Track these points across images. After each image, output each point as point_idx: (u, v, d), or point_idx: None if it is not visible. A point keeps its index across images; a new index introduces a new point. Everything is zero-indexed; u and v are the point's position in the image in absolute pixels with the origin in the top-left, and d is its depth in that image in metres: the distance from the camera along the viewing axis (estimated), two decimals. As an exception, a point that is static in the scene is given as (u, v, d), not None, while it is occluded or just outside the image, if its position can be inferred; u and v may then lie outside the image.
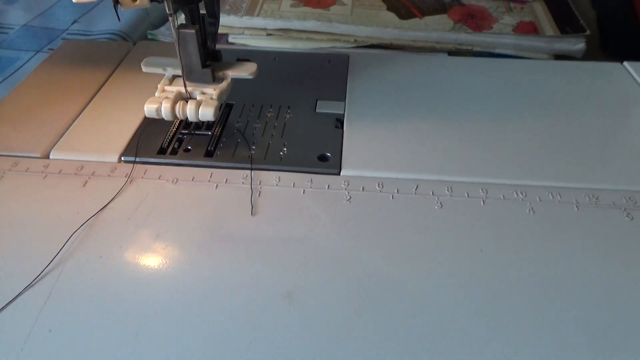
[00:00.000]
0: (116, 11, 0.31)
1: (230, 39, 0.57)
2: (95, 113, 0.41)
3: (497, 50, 0.55)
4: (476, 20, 0.61)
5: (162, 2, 0.32)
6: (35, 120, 0.40)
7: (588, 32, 0.54)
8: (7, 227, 0.31)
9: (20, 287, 0.28)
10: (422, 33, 0.55)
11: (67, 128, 0.39)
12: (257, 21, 0.56)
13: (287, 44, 0.56)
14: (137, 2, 0.32)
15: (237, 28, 0.57)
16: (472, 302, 0.27)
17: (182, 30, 0.34)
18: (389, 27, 0.55)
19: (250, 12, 0.59)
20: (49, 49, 0.59)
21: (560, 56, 0.55)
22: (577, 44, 0.53)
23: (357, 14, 0.60)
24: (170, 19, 0.33)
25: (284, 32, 0.56)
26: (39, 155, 0.37)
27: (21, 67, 0.55)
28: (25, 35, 0.62)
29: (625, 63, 0.48)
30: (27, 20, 0.65)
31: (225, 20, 0.56)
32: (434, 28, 0.57)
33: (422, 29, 0.56)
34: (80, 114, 0.41)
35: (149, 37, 0.59)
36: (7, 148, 0.37)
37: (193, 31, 0.34)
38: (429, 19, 0.60)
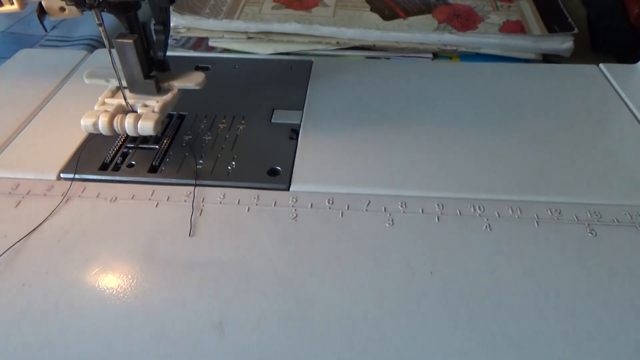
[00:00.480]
0: (41, 22, 0.30)
1: (211, 43, 0.56)
2: (40, 127, 0.39)
3: (483, 51, 0.54)
4: (461, 19, 0.59)
5: (91, 9, 0.30)
6: (-25, 136, 0.38)
7: (576, 31, 0.52)
8: None
9: None
10: (405, 34, 0.54)
11: (8, 143, 0.38)
12: (238, 24, 0.54)
13: (269, 47, 0.54)
14: (67, 12, 0.31)
15: (217, 32, 0.55)
16: (418, 330, 0.25)
17: (118, 41, 0.32)
18: (372, 28, 0.54)
19: (230, 15, 0.57)
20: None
21: (548, 55, 0.53)
22: (565, 43, 0.51)
23: (340, 16, 0.58)
24: (100, 29, 0.31)
25: (265, 35, 0.54)
26: (-28, 173, 0.35)
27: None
28: (3, 42, 0.61)
29: (601, 65, 0.46)
30: (6, 27, 0.64)
31: (205, 24, 0.54)
32: (418, 29, 0.55)
33: (406, 30, 0.54)
34: (24, 127, 0.39)
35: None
36: (-61, 165, 0.35)
37: (131, 41, 0.32)
38: (413, 19, 0.58)
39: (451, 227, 0.30)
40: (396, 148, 0.36)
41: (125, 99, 0.34)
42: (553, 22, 0.57)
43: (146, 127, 0.33)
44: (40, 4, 0.30)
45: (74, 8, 0.30)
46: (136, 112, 0.34)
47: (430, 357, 0.24)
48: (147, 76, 0.34)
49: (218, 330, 0.25)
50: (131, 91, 0.34)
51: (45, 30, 0.35)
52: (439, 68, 0.46)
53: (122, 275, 0.28)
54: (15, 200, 0.33)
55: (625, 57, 0.54)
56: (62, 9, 0.30)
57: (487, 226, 0.30)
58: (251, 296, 0.27)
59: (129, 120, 0.33)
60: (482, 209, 0.31)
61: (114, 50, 0.32)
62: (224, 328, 0.26)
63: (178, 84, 0.35)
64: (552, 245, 0.29)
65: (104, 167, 0.35)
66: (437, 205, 0.32)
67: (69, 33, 0.62)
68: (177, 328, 0.25)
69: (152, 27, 0.35)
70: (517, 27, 0.58)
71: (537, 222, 0.30)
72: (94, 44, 0.57)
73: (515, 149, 0.36)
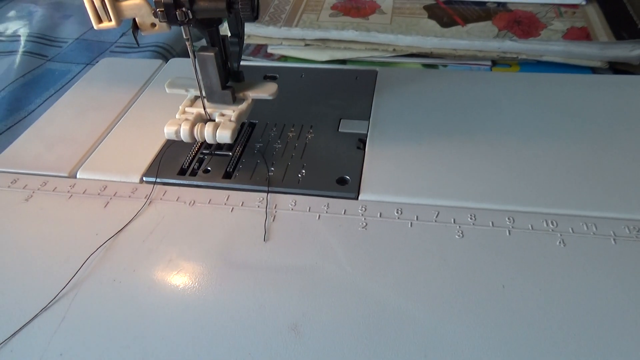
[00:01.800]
0: (135, 37, 0.32)
1: (270, 50, 0.57)
2: (123, 132, 0.42)
3: (544, 59, 0.52)
4: (523, 26, 0.58)
5: (180, 25, 0.32)
6: (66, 139, 0.41)
7: None
8: (30, 247, 0.32)
9: (37, 309, 0.29)
10: (463, 41, 0.53)
11: (95, 147, 0.40)
12: (296, 32, 0.56)
13: (325, 54, 0.55)
14: (157, 28, 0.33)
15: (276, 39, 0.57)
16: (490, 343, 0.25)
17: (200, 54, 0.34)
18: (430, 35, 0.53)
19: (289, 22, 0.59)
20: (97, 62, 0.62)
21: (615, 63, 0.51)
22: (635, 50, 0.49)
23: (397, 23, 0.59)
24: (187, 44, 0.33)
25: (322, 42, 0.55)
26: (66, 174, 0.38)
27: (72, 79, 0.58)
28: (77, 49, 0.65)
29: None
30: (80, 34, 0.68)
31: (264, 31, 0.56)
32: (477, 36, 0.55)
33: (464, 37, 0.54)
34: (108, 133, 0.42)
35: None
36: (38, 167, 0.39)
37: (212, 54, 0.34)
38: (472, 26, 0.58)
39: (523, 242, 0.30)
40: (463, 159, 0.36)
41: (204, 108, 0.36)
42: (621, 28, 0.55)
43: (224, 135, 0.34)
44: (134, 20, 0.32)
45: (164, 24, 0.32)
46: (214, 120, 0.36)
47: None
48: (224, 87, 0.36)
49: (294, 332, 0.27)
50: (209, 100, 0.36)
51: (138, 44, 0.37)
52: (504, 78, 0.46)
53: (202, 276, 0.30)
54: (104, 201, 0.35)
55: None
56: (153, 25, 0.32)
57: (561, 242, 0.30)
58: (324, 301, 0.28)
59: (208, 128, 0.35)
60: (555, 224, 0.31)
61: (192, 61, 0.34)
62: (300, 330, 0.27)
63: (253, 94, 0.37)
64: (631, 264, 0.28)
65: (182, 172, 0.37)
66: (508, 218, 0.31)
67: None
68: (256, 328, 0.27)
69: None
70: (582, 34, 0.56)
71: (614, 239, 0.30)
72: (159, 50, 0.60)
73: (588, 162, 0.35)
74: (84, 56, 0.64)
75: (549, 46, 0.51)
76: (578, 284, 0.28)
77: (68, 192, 0.36)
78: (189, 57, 0.34)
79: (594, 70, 0.51)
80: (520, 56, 0.52)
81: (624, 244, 0.29)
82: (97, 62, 0.60)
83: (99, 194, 0.36)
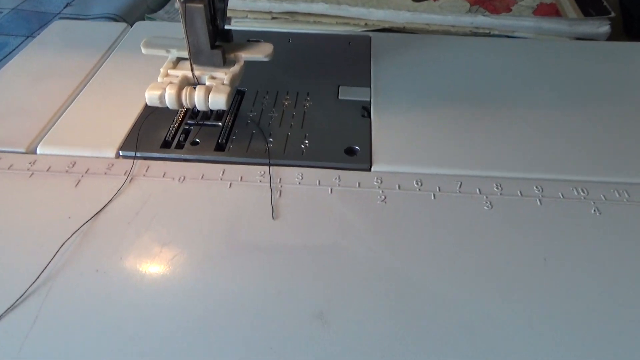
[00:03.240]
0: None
1: (233, 23, 0.53)
2: (89, 101, 0.36)
3: (516, 34, 0.51)
4: (494, 2, 0.57)
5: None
6: (20, 111, 0.35)
7: (613, 15, 0.50)
8: (-13, 235, 0.27)
9: (1, 310, 0.23)
10: (437, 16, 0.51)
11: (57, 119, 0.35)
12: (262, 4, 0.51)
13: (293, 28, 0.51)
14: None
15: (240, 11, 0.52)
16: (539, 321, 0.23)
17: (189, 5, 0.29)
18: (402, 10, 0.51)
19: (254, -6, 0.54)
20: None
21: (583, 39, 0.51)
22: (602, 27, 0.49)
23: (369, -4, 0.55)
24: (175, -8, 0.28)
25: (290, 16, 0.52)
26: (23, 150, 0.32)
27: (10, 53, 0.51)
28: (14, 19, 0.58)
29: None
30: (16, 4, 0.61)
31: (228, 4, 0.51)
32: (449, 11, 0.53)
33: (437, 12, 0.52)
34: (71, 102, 0.36)
35: (146, 19, 0.54)
36: (-13, 142, 0.33)
37: (201, 5, 0.29)
38: (444, 1, 0.56)
39: (557, 211, 0.28)
40: (474, 126, 0.34)
41: (192, 70, 0.31)
42: (588, 5, 0.55)
43: (218, 100, 0.30)
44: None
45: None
46: (203, 84, 0.31)
47: (549, 347, 0.22)
48: (213, 46, 0.31)
49: (320, 320, 0.23)
50: (195, 62, 0.32)
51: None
52: (502, 44, 0.44)
53: (205, 261, 0.25)
54: (74, 179, 0.30)
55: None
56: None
57: (596, 209, 0.28)
58: (351, 285, 0.24)
59: (199, 93, 0.30)
60: (585, 191, 0.29)
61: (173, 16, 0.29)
62: (326, 319, 0.23)
63: (245, 56, 0.33)
64: (670, 230, 0.27)
65: (166, 145, 0.33)
66: (536, 187, 0.29)
67: (83, 11, 0.59)
68: (276, 318, 0.23)
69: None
70: (551, 10, 0.55)
71: (649, 206, 0.28)
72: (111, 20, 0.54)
73: (616, 128, 0.34)
74: (23, 27, 0.57)
75: (520, 22, 0.51)
76: (621, 253, 0.26)
77: (28, 169, 0.31)
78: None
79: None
80: (492, 32, 0.51)
81: (660, 210, 0.28)
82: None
83: (67, 171, 0.31)
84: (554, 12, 0.55)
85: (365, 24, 0.51)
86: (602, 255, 0.26)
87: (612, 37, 0.50)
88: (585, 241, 0.26)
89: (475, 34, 0.52)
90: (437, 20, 0.51)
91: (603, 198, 0.29)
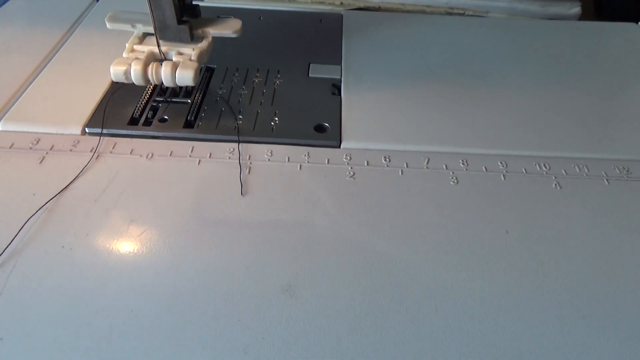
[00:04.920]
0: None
1: (206, 1, 0.51)
2: (53, 77, 0.35)
3: (490, 15, 0.52)
4: None
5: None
6: (-20, 86, 0.34)
7: None
8: (-53, 213, 0.26)
9: (-36, 286, 0.23)
10: None
11: (20, 94, 0.34)
12: None
13: (268, 4, 0.50)
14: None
15: None
16: (501, 291, 0.24)
17: (153, -23, 0.28)
18: None
19: (227, -32, 0.53)
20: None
21: (555, 20, 0.52)
22: (573, 8, 0.51)
23: (345, -26, 0.55)
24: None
25: None
26: (-15, 126, 0.31)
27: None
28: None
29: (640, 24, 0.45)
30: None
31: None
32: None
33: None
34: (35, 78, 0.35)
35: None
36: (-54, 119, 0.32)
37: (166, -22, 0.28)
38: None
39: (520, 185, 0.29)
40: (444, 103, 0.34)
41: (158, 46, 0.31)
42: None
43: (186, 76, 0.29)
44: None
45: None
46: (171, 60, 0.31)
47: (511, 315, 0.23)
48: (180, 21, 0.31)
49: (288, 293, 0.23)
50: (162, 38, 0.31)
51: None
52: (476, 23, 0.44)
53: (174, 236, 0.25)
54: (39, 156, 0.29)
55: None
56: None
57: (557, 184, 0.29)
58: (319, 258, 0.25)
59: (165, 69, 0.30)
60: (547, 166, 0.30)
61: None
62: (294, 291, 0.23)
63: (214, 31, 0.32)
64: (625, 203, 0.28)
65: (133, 122, 0.32)
66: (500, 163, 0.30)
67: None
68: (245, 291, 0.23)
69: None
70: None
71: (606, 180, 0.29)
72: None
73: (576, 106, 0.34)
74: None
75: (494, 2, 0.51)
76: (579, 226, 0.27)
77: (-10, 146, 0.30)
78: None
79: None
80: (466, 12, 0.52)
81: (617, 184, 0.29)
82: None
83: (30, 148, 0.30)
84: (527, -7, 0.56)
85: (341, 3, 0.51)
86: (561, 227, 0.27)
87: (582, 18, 0.51)
88: (545, 214, 0.27)
89: (450, 14, 0.52)
90: (413, 0, 0.51)
91: (564, 173, 0.29)
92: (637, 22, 0.50)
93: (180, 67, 0.30)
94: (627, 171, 0.30)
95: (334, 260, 0.25)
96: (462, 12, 0.52)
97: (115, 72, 0.29)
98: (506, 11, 0.52)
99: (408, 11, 0.52)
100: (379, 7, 0.51)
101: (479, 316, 0.23)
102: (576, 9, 0.50)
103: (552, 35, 0.43)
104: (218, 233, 0.26)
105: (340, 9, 0.50)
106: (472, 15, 0.52)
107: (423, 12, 0.52)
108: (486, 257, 0.25)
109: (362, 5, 0.51)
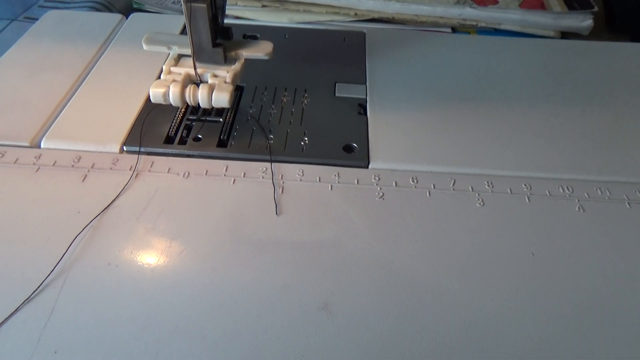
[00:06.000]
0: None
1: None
2: (89, 95, 0.37)
3: (502, 27, 0.53)
4: None
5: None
6: (20, 104, 0.36)
7: (596, 9, 0.52)
8: (-2, 229, 0.27)
9: (18, 302, 0.24)
10: (425, 7, 0.52)
11: (59, 112, 0.35)
12: None
13: (284, 16, 0.52)
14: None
15: None
16: (529, 313, 0.25)
17: (193, 5, 0.30)
18: (391, 0, 0.52)
19: (245, -19, 0.55)
20: (25, 18, 0.54)
21: (567, 33, 0.53)
22: (585, 21, 0.51)
23: (359, -14, 0.56)
24: (181, -10, 0.29)
25: (280, 4, 0.52)
26: (27, 144, 0.33)
27: (-5, 35, 0.50)
28: None
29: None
30: None
31: None
32: (438, 2, 0.54)
33: (426, 3, 0.53)
34: (72, 96, 0.37)
35: (134, 5, 0.54)
36: (-10, 136, 0.33)
37: (204, 5, 0.30)
38: None
39: (543, 208, 0.30)
40: (470, 125, 0.35)
41: (195, 68, 0.32)
42: None
43: (222, 98, 0.31)
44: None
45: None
46: (205, 82, 0.32)
47: (543, 342, 0.24)
48: (214, 44, 0.32)
49: (325, 312, 0.25)
50: (198, 60, 0.32)
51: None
52: (500, 43, 0.45)
53: (213, 254, 0.27)
54: (81, 174, 0.31)
55: (640, 36, 0.55)
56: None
57: (580, 207, 0.30)
58: (353, 278, 0.26)
59: (202, 91, 0.31)
60: (570, 189, 0.31)
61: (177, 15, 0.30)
62: (331, 310, 0.25)
63: (247, 54, 0.33)
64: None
65: (169, 141, 0.33)
66: (525, 185, 0.31)
67: None
68: (283, 309, 0.24)
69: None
70: (536, 4, 0.57)
71: (628, 203, 0.30)
72: (96, 7, 0.53)
73: (599, 128, 0.35)
74: (7, 11, 0.56)
75: (506, 14, 0.52)
76: (602, 249, 0.28)
77: (34, 164, 0.31)
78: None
79: (546, 39, 0.53)
80: (479, 23, 0.53)
81: (638, 208, 0.30)
82: (25, 18, 0.52)
83: (72, 165, 0.31)
84: (539, 5, 0.57)
85: (355, 14, 0.52)
86: (585, 250, 0.28)
87: (594, 30, 0.52)
88: (570, 237, 0.28)
89: (463, 25, 0.53)
90: (426, 12, 0.52)
91: (587, 196, 0.30)
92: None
93: (216, 90, 0.31)
94: (648, 194, 0.31)
95: (366, 278, 0.26)
96: (475, 23, 0.53)
97: (155, 94, 0.31)
98: (518, 23, 0.53)
99: (422, 22, 0.53)
100: (393, 17, 0.53)
101: (506, 338, 0.24)
102: (588, 22, 0.51)
103: (570, 55, 0.43)
104: (255, 252, 0.27)
105: (353, 19, 0.52)
106: (484, 29, 0.53)
107: (437, 23, 0.53)
108: (514, 279, 0.26)
109: (376, 16, 0.53)
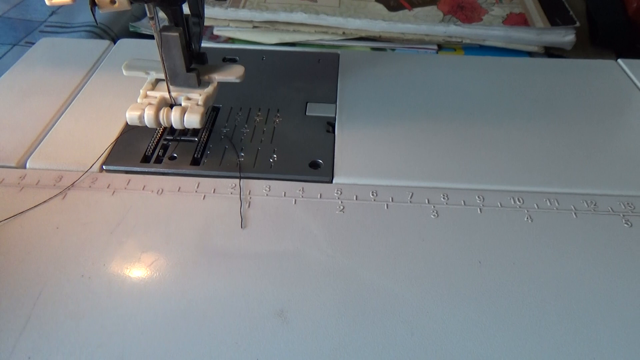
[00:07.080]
0: (93, 14, 0.30)
1: (215, 31, 0.56)
2: (75, 118, 0.39)
3: (487, 43, 0.55)
4: (466, 11, 0.60)
5: (144, 2, 0.30)
6: (10, 127, 0.38)
7: (578, 24, 0.54)
8: (-18, 245, 0.30)
9: (-3, 311, 0.26)
10: (411, 25, 0.54)
11: (45, 134, 0.37)
12: (243, 13, 0.54)
13: (274, 37, 0.54)
14: (117, 5, 0.30)
15: (222, 20, 0.55)
16: (472, 319, 0.26)
17: (164, 34, 0.32)
18: (378, 19, 0.54)
19: (235, 3, 0.57)
20: (27, 42, 0.57)
21: (550, 48, 0.54)
22: (567, 36, 0.53)
23: (346, 6, 0.59)
24: (151, 22, 0.31)
25: (271, 25, 0.55)
26: (14, 164, 0.35)
27: (-3, 61, 0.53)
28: (1, 28, 0.60)
29: (619, 60, 0.47)
30: (3, 12, 0.63)
31: (210, 12, 0.54)
32: (423, 20, 0.56)
33: (412, 21, 0.55)
34: (59, 118, 0.39)
35: (131, 29, 0.57)
36: (-20, 157, 0.35)
37: (177, 34, 0.32)
38: (418, 10, 0.59)
39: (494, 219, 0.31)
40: (431, 141, 0.37)
41: (169, 92, 0.34)
42: (555, 15, 0.58)
43: (193, 120, 0.33)
44: (92, -4, 0.30)
45: (125, 1, 0.30)
46: (179, 105, 0.34)
47: (484, 345, 0.25)
48: (188, 69, 0.34)
49: (281, 318, 0.26)
50: (172, 84, 0.35)
51: (96, 22, 0.35)
52: (467, 62, 0.47)
53: (180, 266, 0.29)
54: (62, 193, 0.33)
55: (623, 50, 0.56)
56: (113, 2, 0.30)
57: (528, 217, 0.31)
58: (309, 286, 0.28)
59: (175, 113, 0.33)
60: (521, 200, 0.32)
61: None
62: (286, 316, 0.26)
63: (219, 77, 0.36)
64: (592, 235, 0.30)
65: (145, 160, 0.36)
66: (478, 197, 0.33)
67: (69, 19, 0.61)
68: (242, 316, 0.26)
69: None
70: (520, 20, 0.59)
71: (574, 213, 0.32)
72: (95, 31, 0.56)
73: (550, 142, 0.37)
74: (10, 36, 0.59)
75: (491, 31, 0.54)
76: (546, 257, 0.29)
77: (18, 184, 0.33)
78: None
79: (530, 54, 0.55)
80: (464, 40, 0.55)
81: (584, 217, 0.32)
82: (25, 42, 0.55)
83: (54, 185, 0.33)
84: (522, 21, 0.58)
85: (343, 33, 0.54)
86: (529, 258, 0.29)
87: (578, 45, 0.54)
88: (516, 246, 0.30)
89: (449, 42, 0.55)
90: (412, 30, 0.54)
91: (536, 207, 0.32)
92: (631, 50, 0.52)
93: (188, 112, 0.33)
94: (595, 205, 0.32)
95: (322, 288, 0.28)
96: (460, 40, 0.55)
97: (131, 117, 0.33)
98: (502, 39, 0.55)
99: (408, 40, 0.55)
100: (380, 36, 0.55)
101: (450, 341, 0.25)
102: (571, 37, 0.53)
103: (538, 73, 0.45)
104: (220, 262, 0.29)
105: (341, 38, 0.54)
106: (470, 45, 0.54)
107: (422, 40, 0.55)
108: (459, 286, 0.28)
109: (363, 35, 0.55)
